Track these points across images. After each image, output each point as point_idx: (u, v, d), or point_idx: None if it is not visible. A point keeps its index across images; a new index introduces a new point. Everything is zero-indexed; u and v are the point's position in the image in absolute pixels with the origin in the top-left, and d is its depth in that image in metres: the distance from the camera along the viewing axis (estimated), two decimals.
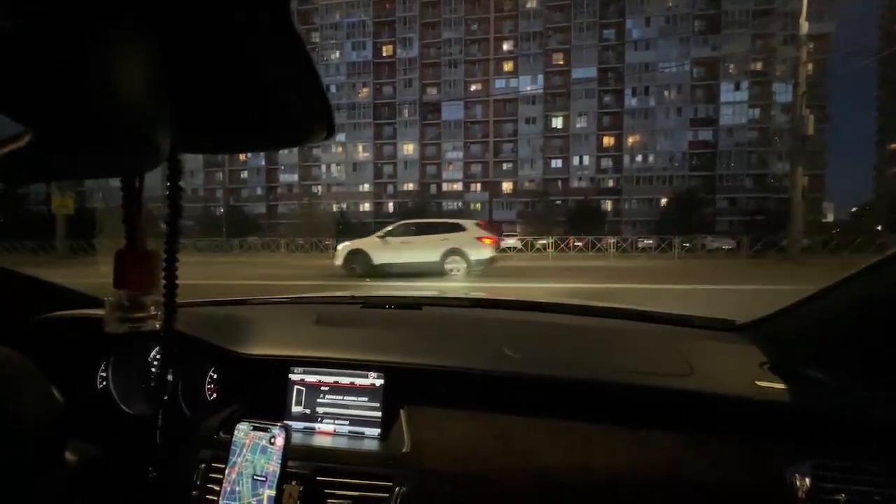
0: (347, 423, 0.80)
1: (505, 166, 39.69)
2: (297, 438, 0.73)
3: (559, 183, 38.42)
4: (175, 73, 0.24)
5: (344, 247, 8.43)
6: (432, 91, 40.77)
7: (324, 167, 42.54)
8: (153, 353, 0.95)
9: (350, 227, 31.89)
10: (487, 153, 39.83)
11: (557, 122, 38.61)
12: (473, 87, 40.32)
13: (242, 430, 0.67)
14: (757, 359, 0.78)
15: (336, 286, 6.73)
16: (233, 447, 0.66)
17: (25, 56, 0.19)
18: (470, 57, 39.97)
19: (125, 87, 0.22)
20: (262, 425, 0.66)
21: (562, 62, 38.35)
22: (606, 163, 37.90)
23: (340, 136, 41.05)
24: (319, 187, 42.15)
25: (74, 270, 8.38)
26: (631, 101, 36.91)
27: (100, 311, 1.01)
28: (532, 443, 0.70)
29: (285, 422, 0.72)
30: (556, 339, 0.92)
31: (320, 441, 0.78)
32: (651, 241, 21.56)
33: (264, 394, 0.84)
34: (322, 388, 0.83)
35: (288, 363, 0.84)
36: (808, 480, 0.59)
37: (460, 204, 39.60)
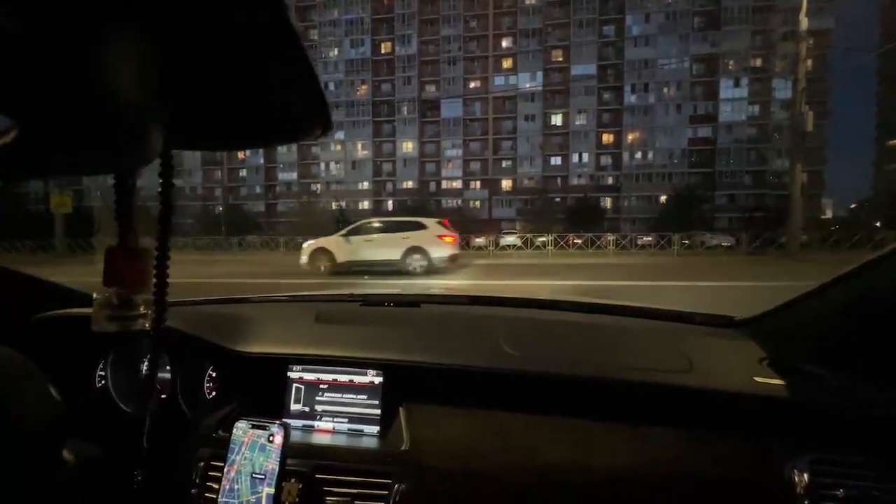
0: (346, 420, 0.80)
1: (504, 164, 39.61)
2: (295, 436, 0.73)
3: (558, 180, 38.36)
4: (169, 69, 0.24)
5: (309, 245, 8.56)
6: (431, 88, 40.61)
7: (323, 165, 42.42)
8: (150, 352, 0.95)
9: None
10: (487, 151, 39.74)
11: (557, 120, 38.51)
12: (472, 85, 40.16)
13: (241, 428, 0.67)
14: (756, 355, 0.79)
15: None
16: (232, 445, 0.66)
17: (18, 51, 0.19)
18: (469, 54, 39.80)
19: (117, 82, 0.22)
20: (261, 423, 0.66)
21: (561, 59, 38.20)
22: (606, 160, 37.84)
23: (339, 134, 40.94)
24: (318, 185, 42.05)
25: (73, 269, 8.37)
26: (630, 98, 36.80)
27: None
28: (531, 440, 0.70)
29: (284, 420, 0.72)
30: (555, 336, 0.92)
31: (319, 439, 0.78)
32: (650, 238, 21.55)
33: (263, 392, 0.84)
34: (321, 385, 0.83)
35: (287, 361, 0.84)
36: (806, 476, 0.60)
37: (460, 201, 39.56)
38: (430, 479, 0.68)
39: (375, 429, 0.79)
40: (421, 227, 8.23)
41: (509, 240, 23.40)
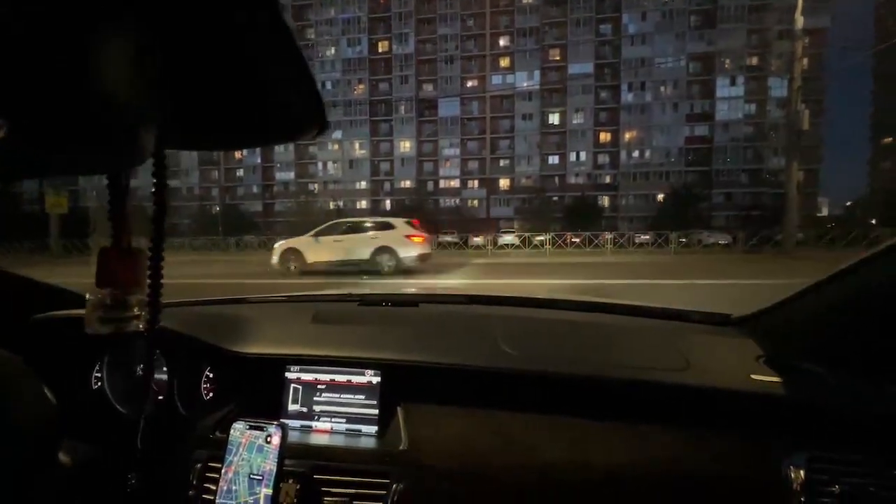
0: (344, 420, 0.80)
1: (502, 163, 39.62)
2: (293, 437, 0.73)
3: (556, 179, 38.41)
4: (164, 68, 0.24)
5: (279, 245, 8.64)
6: (428, 87, 40.56)
7: (320, 165, 42.31)
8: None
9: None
10: (484, 150, 39.74)
11: (554, 118, 38.55)
12: (470, 84, 40.13)
13: (239, 429, 0.67)
14: (753, 352, 0.79)
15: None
16: (229, 446, 0.66)
17: (13, 50, 0.19)
18: (466, 53, 39.76)
19: (111, 81, 0.22)
20: (259, 424, 0.66)
21: (558, 58, 38.22)
22: (603, 159, 37.91)
23: (337, 134, 40.84)
24: (316, 185, 41.94)
25: (69, 270, 8.32)
26: (627, 97, 36.88)
27: None
28: (529, 439, 0.70)
29: (281, 420, 0.72)
30: (553, 335, 0.92)
31: (317, 439, 0.78)
32: (648, 237, 21.64)
33: (260, 392, 0.83)
34: (318, 386, 0.82)
35: (284, 361, 0.84)
36: (803, 473, 0.60)
37: (457, 201, 39.56)
38: (428, 479, 0.68)
39: (373, 429, 0.79)
40: (389, 227, 8.33)
41: (507, 239, 23.42)
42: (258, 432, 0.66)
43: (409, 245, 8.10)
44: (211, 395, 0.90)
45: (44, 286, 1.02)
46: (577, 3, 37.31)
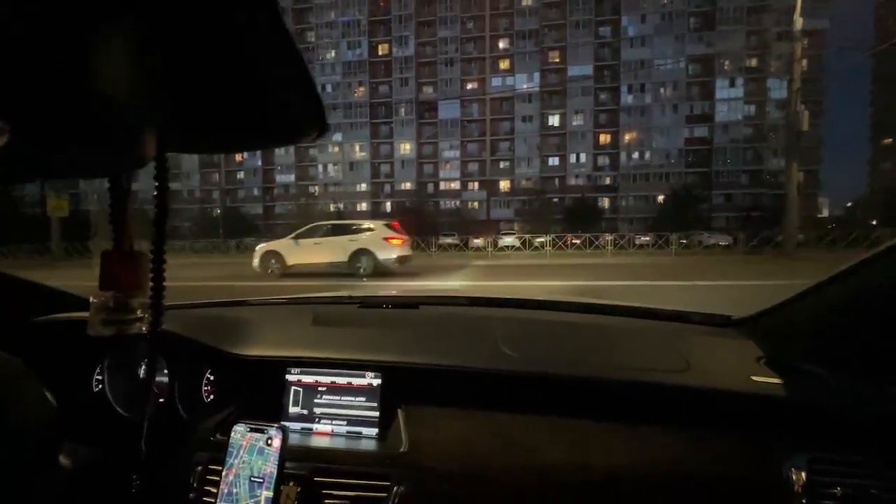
0: (345, 423, 0.80)
1: (502, 164, 39.69)
2: (294, 439, 0.73)
3: (556, 181, 38.46)
4: (165, 71, 0.24)
5: (260, 248, 8.73)
6: (429, 90, 40.68)
7: (320, 167, 42.39)
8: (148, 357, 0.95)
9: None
10: (484, 152, 39.82)
11: (554, 120, 38.63)
12: (470, 86, 40.25)
13: (239, 431, 0.67)
14: (753, 354, 0.79)
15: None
16: (230, 449, 0.66)
17: (15, 52, 0.19)
18: (466, 55, 39.89)
19: (113, 85, 0.22)
20: (259, 426, 0.66)
21: (558, 60, 38.34)
22: (603, 160, 37.97)
23: (337, 136, 40.93)
24: (316, 187, 42.03)
25: (70, 273, 8.33)
26: (627, 99, 36.96)
27: None
28: (530, 441, 0.70)
29: (282, 423, 0.72)
30: (554, 336, 0.92)
31: (318, 442, 0.78)
32: (648, 238, 21.63)
33: (261, 395, 0.83)
34: (319, 388, 0.82)
35: (285, 364, 0.84)
36: (804, 474, 0.59)
37: (458, 203, 39.60)
38: (429, 481, 0.68)
39: (374, 431, 0.79)
40: (368, 229, 8.44)
41: (507, 240, 23.43)
42: (259, 435, 0.65)
43: (388, 247, 8.17)
44: (211, 397, 0.90)
45: (44, 289, 1.02)
46: (576, 6, 37.45)
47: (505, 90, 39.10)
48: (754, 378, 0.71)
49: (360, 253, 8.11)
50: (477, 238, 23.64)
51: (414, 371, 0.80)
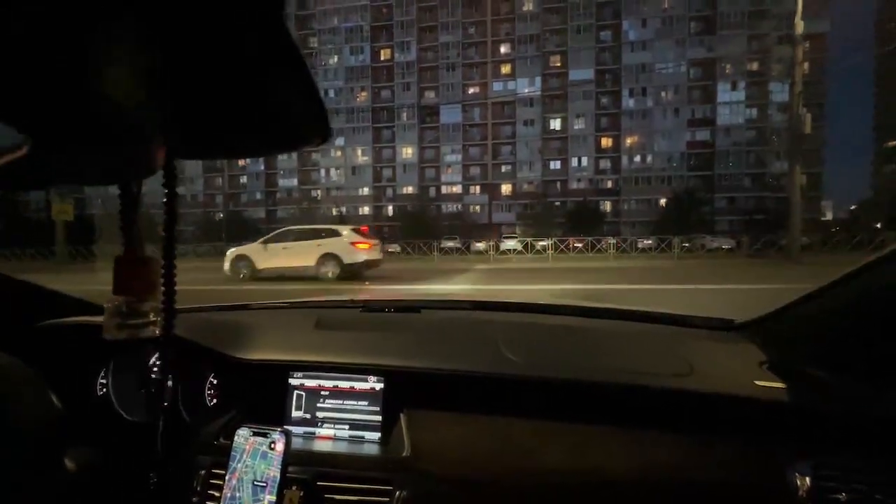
0: (347, 427, 0.80)
1: (504, 168, 39.76)
2: (297, 443, 0.73)
3: (558, 184, 38.49)
4: (172, 79, 0.25)
5: (231, 252, 8.82)
6: (430, 94, 40.89)
7: (323, 171, 42.59)
8: (153, 359, 0.95)
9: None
10: (486, 156, 39.92)
11: (555, 124, 38.72)
12: (471, 91, 40.44)
13: (242, 435, 0.67)
14: (756, 358, 0.78)
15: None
16: (233, 453, 0.66)
17: (26, 62, 0.19)
18: (468, 60, 40.13)
19: (122, 94, 0.23)
20: (263, 430, 0.66)
21: (559, 64, 38.50)
22: (605, 164, 37.99)
23: (339, 141, 41.15)
24: (318, 191, 42.20)
25: (75, 277, 8.37)
26: (628, 103, 37.03)
27: (100, 318, 1.01)
28: (533, 445, 0.70)
29: (285, 427, 0.72)
30: (556, 340, 0.91)
31: (320, 446, 0.78)
32: (650, 242, 21.57)
33: (264, 399, 0.84)
34: (322, 392, 0.82)
35: (288, 368, 0.84)
36: (808, 480, 0.59)
37: (460, 206, 39.65)
38: (431, 486, 0.68)
39: (376, 435, 0.79)
40: (335, 234, 8.55)
41: (510, 244, 23.42)
42: (262, 439, 0.65)
43: (354, 252, 8.29)
44: (215, 401, 0.90)
45: (49, 292, 1.03)
46: (577, 11, 37.66)
47: (506, 94, 39.26)
48: (757, 382, 0.70)
49: (327, 257, 8.24)
50: (479, 242, 23.66)
51: (416, 375, 0.80)
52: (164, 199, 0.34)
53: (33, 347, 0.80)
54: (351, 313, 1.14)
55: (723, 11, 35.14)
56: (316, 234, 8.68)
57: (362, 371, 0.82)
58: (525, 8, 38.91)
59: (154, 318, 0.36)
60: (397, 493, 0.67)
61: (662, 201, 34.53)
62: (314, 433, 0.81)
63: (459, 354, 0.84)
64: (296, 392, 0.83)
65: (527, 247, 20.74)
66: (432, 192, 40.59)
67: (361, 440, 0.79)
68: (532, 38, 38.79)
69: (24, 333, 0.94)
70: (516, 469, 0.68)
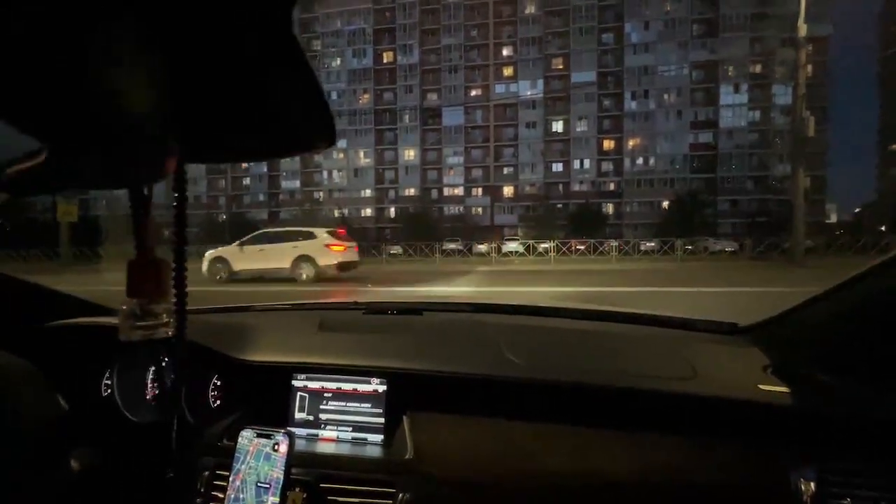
0: (350, 429, 0.80)
1: (506, 170, 39.79)
2: (300, 445, 0.73)
3: (560, 186, 38.46)
4: (182, 85, 0.25)
5: (209, 254, 8.90)
6: (433, 97, 41.02)
7: (325, 173, 42.74)
8: (157, 361, 0.96)
9: (351, 232, 31.96)
10: (488, 158, 39.95)
11: (558, 126, 38.74)
12: (474, 93, 40.53)
13: (246, 436, 0.67)
14: (760, 362, 0.78)
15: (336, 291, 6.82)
16: (237, 454, 0.66)
17: (41, 74, 0.20)
18: (470, 62, 40.25)
19: (136, 100, 0.23)
20: (266, 432, 0.66)
21: (561, 66, 38.55)
22: (607, 166, 37.95)
23: (342, 143, 41.25)
24: (321, 193, 42.34)
25: (77, 278, 8.42)
26: (631, 105, 37.02)
27: (104, 319, 1.01)
28: (536, 448, 0.70)
29: (289, 428, 0.72)
30: (558, 343, 0.91)
31: (323, 448, 0.78)
32: (653, 244, 21.51)
33: (267, 400, 0.84)
34: (325, 394, 0.83)
35: (291, 370, 0.84)
36: (813, 485, 0.59)
37: (461, 208, 39.68)
38: (433, 488, 0.68)
39: (379, 437, 0.79)
40: (311, 236, 8.65)
41: (512, 246, 23.40)
42: (266, 440, 0.65)
43: (329, 254, 8.38)
44: (218, 402, 0.90)
45: (52, 293, 1.04)
46: (579, 13, 37.74)
47: (509, 97, 39.33)
48: (761, 386, 0.70)
49: (302, 259, 8.33)
50: (481, 244, 23.65)
51: (419, 377, 0.80)
52: (175, 203, 0.35)
53: (39, 348, 0.81)
54: (353, 315, 1.14)
55: (725, 14, 35.13)
56: (291, 237, 8.82)
57: (365, 373, 0.82)
58: (527, 11, 39.02)
59: (167, 320, 0.37)
60: (400, 495, 0.67)
61: (665, 204, 34.43)
62: (317, 435, 0.81)
63: (462, 357, 0.84)
64: (299, 394, 0.83)
65: (529, 249, 20.72)
66: (434, 194, 40.65)
67: (364, 442, 0.79)
68: (534, 41, 38.88)
69: (30, 334, 0.95)
70: (518, 472, 0.68)
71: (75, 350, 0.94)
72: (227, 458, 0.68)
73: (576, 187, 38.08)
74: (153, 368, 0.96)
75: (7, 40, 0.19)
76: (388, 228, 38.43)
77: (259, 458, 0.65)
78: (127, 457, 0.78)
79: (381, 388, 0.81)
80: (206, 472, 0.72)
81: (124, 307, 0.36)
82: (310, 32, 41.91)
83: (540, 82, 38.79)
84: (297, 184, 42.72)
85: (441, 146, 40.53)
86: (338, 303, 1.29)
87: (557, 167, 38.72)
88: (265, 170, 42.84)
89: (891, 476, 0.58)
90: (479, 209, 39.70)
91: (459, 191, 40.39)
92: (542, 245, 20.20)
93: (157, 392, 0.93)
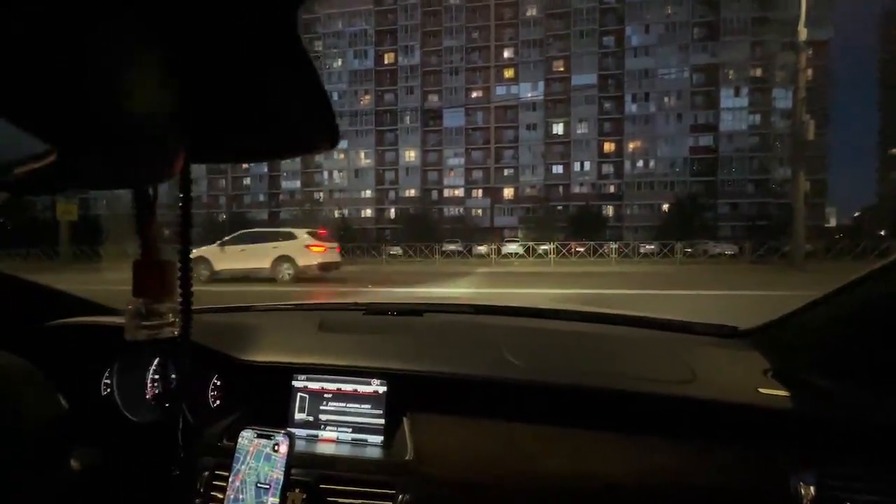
0: (350, 430, 0.80)
1: (506, 172, 39.81)
2: (300, 446, 0.73)
3: (560, 188, 38.48)
4: (187, 86, 0.25)
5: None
6: (434, 98, 41.06)
7: (326, 174, 42.76)
8: (157, 360, 0.96)
9: (352, 232, 32.02)
10: (489, 159, 39.98)
11: (558, 129, 38.77)
12: (474, 94, 40.58)
13: (246, 437, 0.67)
14: (760, 365, 0.78)
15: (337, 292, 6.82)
16: (237, 454, 0.66)
17: (45, 74, 0.20)
18: (471, 64, 40.31)
19: (141, 101, 0.24)
20: (266, 432, 0.66)
21: (562, 69, 38.61)
22: (607, 168, 37.97)
23: (343, 143, 41.15)
24: (321, 193, 42.35)
25: (77, 277, 8.40)
26: (631, 108, 37.07)
27: (104, 318, 1.01)
28: (535, 450, 0.70)
29: (289, 429, 0.72)
30: (558, 345, 0.92)
31: (323, 448, 0.78)
32: (653, 247, 21.49)
33: (267, 401, 0.84)
34: (325, 395, 0.83)
35: (291, 370, 0.84)
36: (812, 489, 0.59)
37: (462, 210, 39.69)
38: (433, 490, 0.68)
39: (379, 438, 0.79)
40: (291, 237, 8.70)
41: (512, 248, 23.39)
42: (266, 441, 0.65)
43: (309, 254, 8.43)
44: (218, 402, 0.90)
45: (53, 292, 1.04)
46: (580, 16, 37.81)
47: (509, 98, 39.39)
48: (761, 390, 0.70)
49: (282, 259, 8.38)
50: (481, 245, 23.65)
51: (419, 379, 0.80)
52: (180, 203, 0.35)
53: (39, 347, 0.81)
54: (353, 316, 1.14)
55: (726, 17, 35.21)
56: (272, 237, 8.89)
57: (365, 374, 0.82)
58: (528, 13, 39.11)
59: (172, 319, 0.37)
60: (400, 496, 0.67)
61: (665, 206, 34.44)
62: (317, 436, 0.81)
63: (462, 358, 0.84)
64: (299, 394, 0.83)
65: (529, 251, 20.71)
66: (434, 195, 40.66)
67: (364, 443, 0.79)
68: (535, 43, 38.95)
69: (30, 333, 0.95)
70: (518, 473, 0.68)
71: (75, 349, 0.94)
72: (226, 458, 0.68)
73: (576, 189, 38.08)
74: (153, 368, 0.96)
75: (8, 40, 0.19)
76: (388, 229, 38.42)
77: (259, 458, 0.65)
78: (127, 456, 0.78)
79: (382, 389, 0.81)
80: (206, 473, 0.72)
81: (130, 307, 0.36)
82: (311, 33, 41.96)
83: (541, 84, 38.84)
84: (298, 184, 42.73)
85: (442, 147, 40.56)
86: (338, 303, 1.28)
87: (558, 169, 38.74)
88: (265, 170, 42.83)
89: (890, 481, 0.58)
90: (480, 211, 39.71)
91: (460, 192, 40.41)
92: (542, 247, 20.20)
93: (156, 391, 0.93)
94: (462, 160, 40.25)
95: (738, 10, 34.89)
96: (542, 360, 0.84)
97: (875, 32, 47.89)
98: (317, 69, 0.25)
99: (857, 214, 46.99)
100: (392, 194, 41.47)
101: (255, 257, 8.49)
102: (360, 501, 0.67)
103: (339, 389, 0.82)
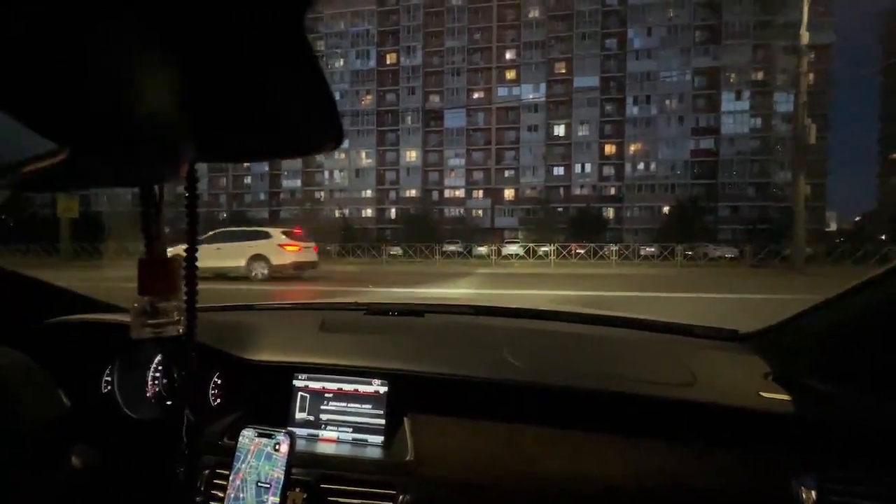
0: (351, 430, 0.80)
1: (507, 173, 39.82)
2: (300, 445, 0.73)
3: (561, 190, 38.49)
4: (194, 84, 0.25)
5: (168, 252, 9.02)
6: (435, 99, 41.10)
7: (327, 173, 42.78)
8: (159, 358, 0.96)
9: (352, 232, 32.04)
10: (489, 160, 40.00)
11: (559, 130, 38.79)
12: (476, 95, 40.61)
13: (247, 436, 0.67)
14: (761, 369, 0.78)
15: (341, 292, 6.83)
16: (237, 453, 0.66)
17: (47, 74, 0.21)
18: (473, 65, 40.35)
19: (148, 100, 0.24)
20: (267, 431, 0.66)
21: (564, 71, 38.64)
22: (608, 170, 37.98)
23: (344, 143, 41.15)
24: (322, 193, 42.37)
25: (78, 274, 8.41)
26: (632, 110, 37.09)
27: (105, 316, 1.02)
28: (536, 451, 0.70)
29: (289, 428, 0.73)
30: (559, 347, 0.92)
31: (324, 448, 0.78)
32: (653, 249, 21.49)
33: (268, 400, 0.84)
34: (326, 394, 0.83)
35: (292, 369, 0.85)
36: (813, 493, 0.59)
37: (462, 210, 39.70)
38: (433, 490, 0.68)
39: (380, 439, 0.79)
40: (266, 236, 8.83)
41: (512, 249, 23.41)
42: (267, 440, 0.65)
43: (283, 253, 8.54)
44: (219, 401, 0.90)
45: (54, 288, 1.04)
46: (582, 18, 37.85)
47: (511, 100, 39.41)
48: (762, 394, 0.70)
49: (257, 258, 8.50)
50: (481, 246, 23.66)
51: (420, 379, 0.81)
52: (186, 203, 0.37)
53: (40, 344, 0.81)
54: (355, 315, 1.14)
55: (728, 21, 35.24)
56: (248, 236, 9.00)
57: (366, 374, 0.82)
58: (531, 15, 39.15)
59: (177, 317, 0.38)
60: (400, 496, 0.67)
61: (665, 209, 34.45)
62: (318, 435, 0.81)
63: (462, 359, 0.85)
64: (300, 394, 0.83)
65: (529, 252, 20.72)
66: (435, 195, 40.67)
67: (365, 443, 0.79)
68: (537, 45, 38.99)
69: (31, 330, 0.95)
70: (518, 474, 0.68)
71: (75, 346, 0.94)
72: (227, 457, 0.68)
73: (577, 191, 38.09)
74: (154, 365, 0.96)
75: (8, 40, 0.19)
76: (388, 229, 38.43)
77: (260, 457, 0.65)
78: (127, 455, 0.78)
79: (383, 390, 0.81)
80: (207, 471, 0.73)
81: (136, 305, 0.36)
82: (314, 33, 42.01)
83: (542, 86, 38.87)
84: (298, 183, 42.74)
85: (443, 148, 40.58)
86: (340, 303, 1.29)
87: (559, 171, 38.76)
88: (266, 169, 42.84)
89: (891, 485, 0.58)
90: (480, 211, 39.72)
91: (460, 193, 40.42)
92: (543, 248, 20.21)
93: (157, 389, 0.93)
94: (463, 161, 40.27)
95: (740, 14, 34.93)
96: (543, 362, 0.84)
97: (876, 36, 47.94)
98: (323, 70, 0.25)
99: (857, 219, 47.02)
100: (393, 194, 41.48)
101: (231, 256, 8.59)
102: (360, 501, 0.67)
103: (340, 389, 0.83)
